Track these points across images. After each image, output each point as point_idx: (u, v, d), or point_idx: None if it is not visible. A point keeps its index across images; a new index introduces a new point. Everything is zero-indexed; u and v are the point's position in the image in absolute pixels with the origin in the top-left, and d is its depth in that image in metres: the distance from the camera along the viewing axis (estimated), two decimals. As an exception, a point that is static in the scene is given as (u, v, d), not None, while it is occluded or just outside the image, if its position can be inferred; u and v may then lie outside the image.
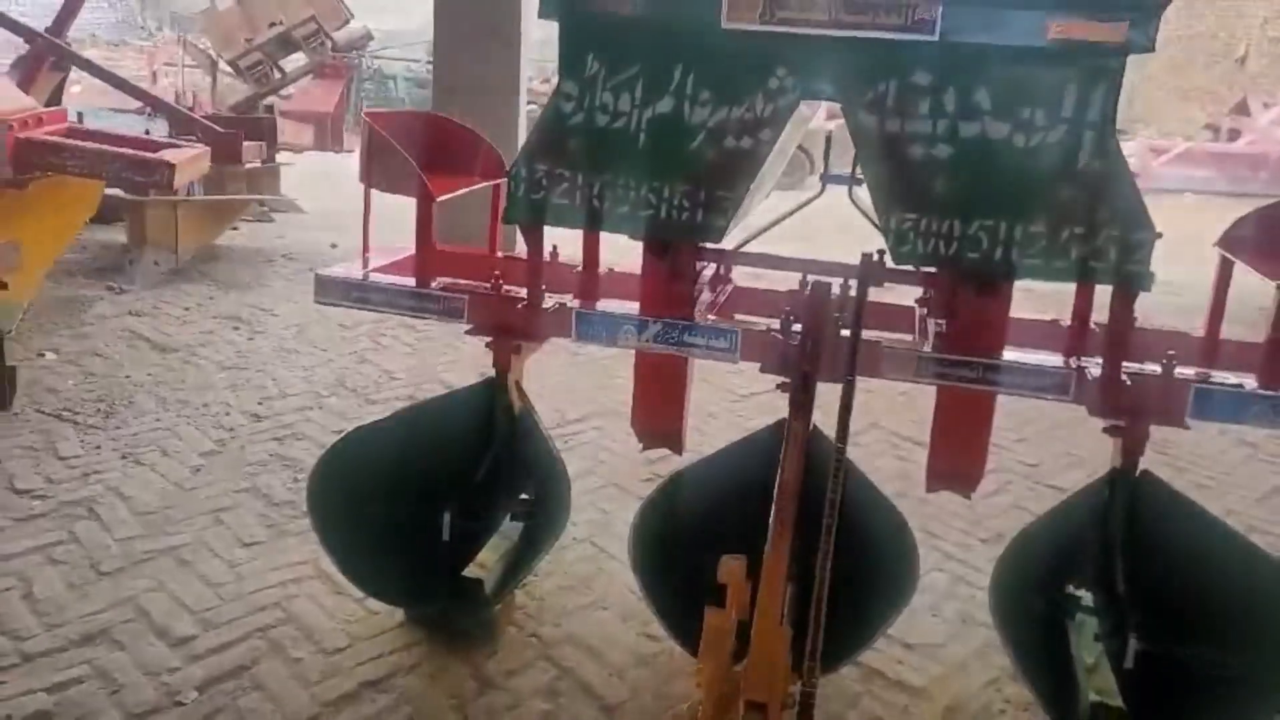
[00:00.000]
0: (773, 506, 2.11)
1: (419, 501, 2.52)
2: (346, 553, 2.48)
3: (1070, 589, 2.46)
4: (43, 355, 4.27)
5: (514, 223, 2.39)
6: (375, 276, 2.71)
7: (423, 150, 2.75)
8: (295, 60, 13.76)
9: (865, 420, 4.04)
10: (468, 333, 2.63)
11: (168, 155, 4.18)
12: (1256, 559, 2.25)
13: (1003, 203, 2.11)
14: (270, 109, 8.02)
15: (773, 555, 2.04)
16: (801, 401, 2.29)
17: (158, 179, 4.16)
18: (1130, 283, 2.13)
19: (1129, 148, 16.35)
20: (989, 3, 2.00)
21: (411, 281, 2.66)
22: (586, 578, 2.84)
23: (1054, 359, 2.40)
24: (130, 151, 4.09)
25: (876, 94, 2.11)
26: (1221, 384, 2.30)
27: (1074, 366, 2.33)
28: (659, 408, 2.76)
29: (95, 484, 3.16)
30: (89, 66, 5.30)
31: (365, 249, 2.82)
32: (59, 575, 2.70)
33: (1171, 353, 2.34)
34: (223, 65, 13.53)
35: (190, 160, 4.31)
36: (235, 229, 6.50)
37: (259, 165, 8.14)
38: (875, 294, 2.35)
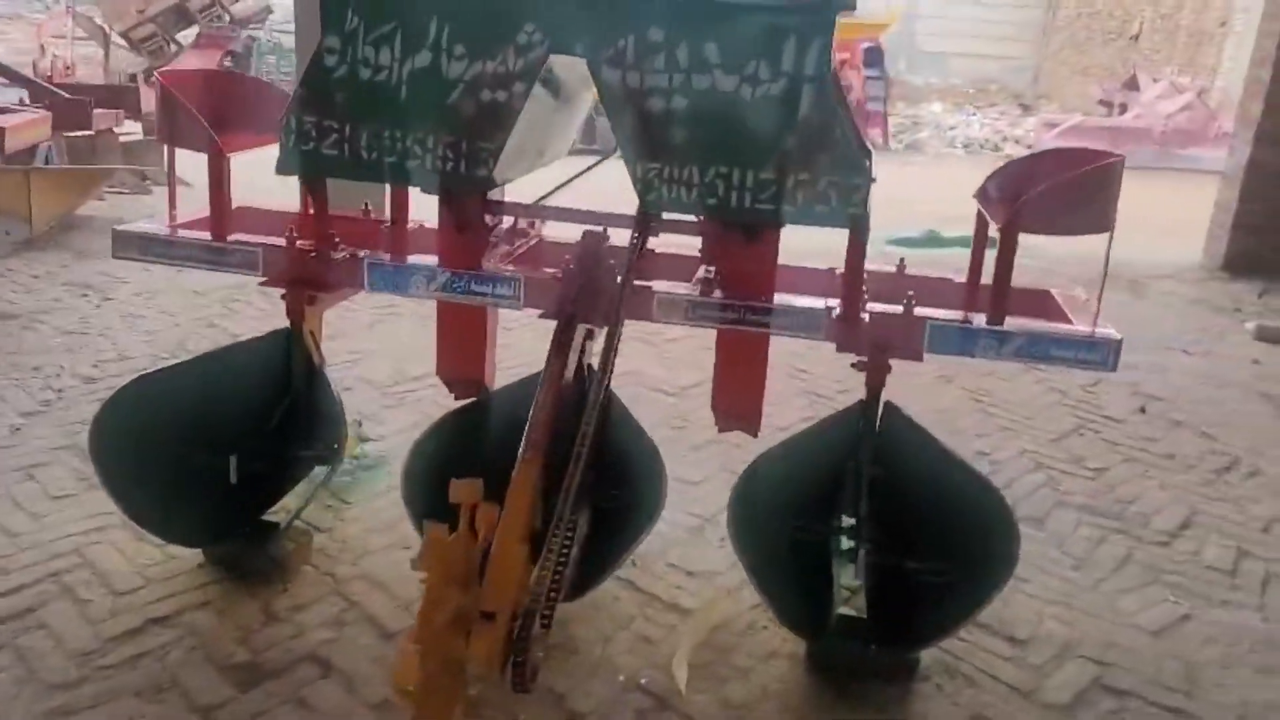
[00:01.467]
0: (524, 434, 2.25)
1: (208, 447, 2.61)
2: (132, 498, 2.56)
3: (821, 513, 2.64)
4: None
5: (286, 174, 2.49)
6: (176, 232, 2.79)
7: (217, 108, 2.83)
8: (193, 34, 13.54)
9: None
10: (261, 284, 2.73)
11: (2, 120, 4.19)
12: (974, 481, 2.45)
13: (734, 151, 2.27)
14: (134, 78, 7.93)
15: (519, 476, 2.17)
16: (561, 341, 2.43)
17: (-14, 146, 4.18)
18: (851, 225, 2.30)
19: (1027, 123, 16.83)
20: (709, -38, 2.15)
21: (208, 236, 2.76)
22: (392, 521, 2.95)
23: (815, 302, 2.57)
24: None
25: (617, 49, 2.25)
26: (951, 320, 2.51)
27: (825, 307, 2.51)
28: (461, 355, 2.89)
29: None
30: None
31: (171, 205, 2.90)
32: None
33: (911, 293, 2.54)
34: (116, 38, 13.25)
35: (24, 125, 4.33)
36: (102, 200, 6.46)
37: (141, 138, 8.08)
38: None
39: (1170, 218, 8.45)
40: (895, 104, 17.70)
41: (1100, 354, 2.45)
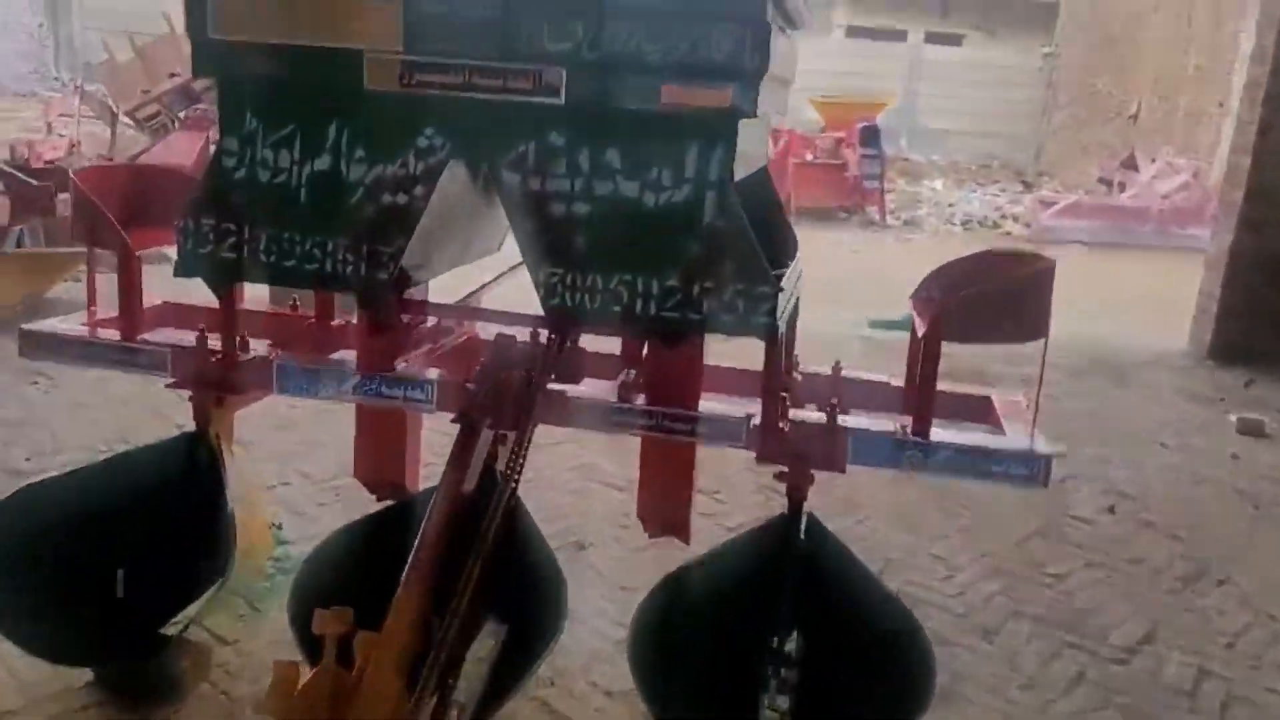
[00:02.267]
0: (413, 552, 2.14)
1: (97, 560, 2.49)
2: (11, 615, 2.44)
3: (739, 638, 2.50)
4: None
5: (184, 276, 2.42)
6: (83, 331, 2.72)
7: (137, 203, 2.77)
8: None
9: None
10: (168, 386, 2.65)
11: (-50, 209, 4.16)
12: (894, 614, 2.32)
13: (638, 258, 2.19)
14: (134, 157, 7.98)
15: (399, 599, 2.06)
16: (462, 449, 2.33)
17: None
18: (758, 334, 2.21)
19: (1027, 200, 16.86)
20: (607, 69, 2.09)
21: (117, 335, 2.69)
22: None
23: (739, 408, 2.48)
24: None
25: (518, 154, 2.19)
26: (875, 431, 2.40)
27: (745, 415, 2.40)
28: (379, 457, 2.80)
29: None
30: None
31: (90, 302, 2.83)
32: None
33: (834, 400, 2.44)
34: (123, 117, 13.43)
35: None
36: (78, 281, 6.43)
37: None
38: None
39: (1163, 298, 8.37)
40: (895, 180, 17.82)
41: (1031, 469, 2.35)
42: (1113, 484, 4.43)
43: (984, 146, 23.59)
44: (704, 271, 2.17)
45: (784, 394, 2.46)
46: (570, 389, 2.49)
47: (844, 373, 2.80)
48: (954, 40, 25.91)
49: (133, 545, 2.51)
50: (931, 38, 25.79)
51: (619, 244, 2.19)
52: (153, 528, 2.54)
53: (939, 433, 2.38)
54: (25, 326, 2.72)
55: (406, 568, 2.11)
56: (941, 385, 2.71)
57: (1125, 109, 20.35)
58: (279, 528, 3.32)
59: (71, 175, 2.71)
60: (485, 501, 2.32)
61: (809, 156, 14.71)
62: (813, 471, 2.41)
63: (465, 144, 2.21)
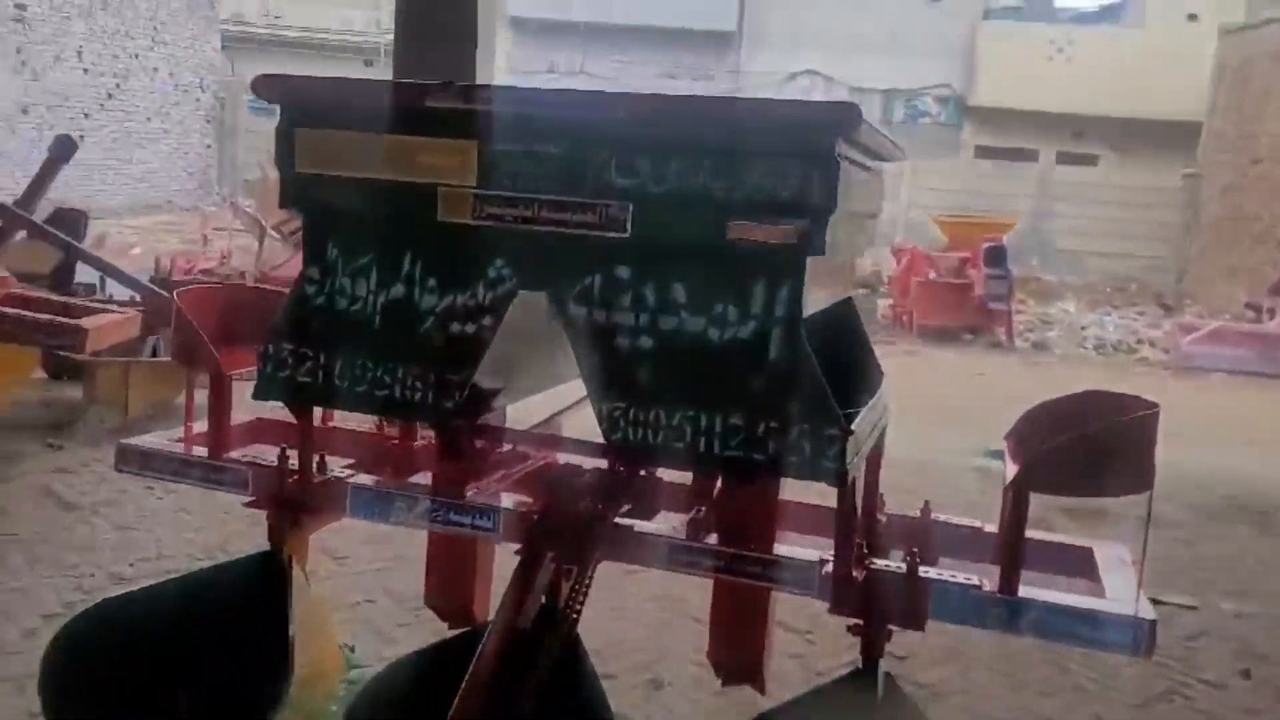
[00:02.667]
0: (459, 692, 2.07)
1: (163, 678, 2.50)
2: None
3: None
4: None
5: (263, 399, 2.47)
6: (172, 447, 2.80)
7: (228, 323, 2.86)
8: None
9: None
10: (246, 505, 2.69)
11: (84, 321, 4.42)
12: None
13: (702, 394, 2.13)
14: (243, 275, 8.41)
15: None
16: (519, 583, 2.27)
17: (70, 343, 4.40)
18: (825, 479, 2.10)
19: (1167, 324, 16.16)
20: (672, 204, 2.08)
21: (205, 453, 2.75)
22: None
23: (815, 551, 2.36)
24: (45, 317, 4.33)
25: (583, 286, 2.18)
26: (958, 584, 2.25)
27: (817, 560, 2.29)
28: (448, 583, 2.77)
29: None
30: (46, 235, 5.67)
31: (188, 418, 2.92)
32: None
33: (914, 549, 2.30)
34: (271, 231, 14.24)
35: (108, 326, 4.54)
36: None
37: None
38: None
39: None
40: (1025, 301, 17.36)
41: (1131, 636, 2.15)
42: (1249, 644, 4.05)
43: (1120, 268, 22.88)
44: (769, 410, 2.09)
45: (860, 539, 2.34)
46: (638, 523, 2.43)
47: (935, 515, 2.65)
48: (1089, 161, 25.47)
49: (196, 665, 2.52)
50: (1064, 158, 25.42)
51: (683, 379, 2.14)
52: (217, 648, 2.54)
53: (1029, 589, 2.21)
54: (122, 441, 2.82)
55: (455, 702, 2.05)
56: (1038, 532, 2.56)
57: (1274, 232, 19.49)
58: (352, 649, 3.30)
59: (175, 296, 2.83)
60: (542, 636, 2.26)
61: (932, 275, 14.49)
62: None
63: (533, 275, 2.22)
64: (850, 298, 2.76)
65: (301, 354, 2.39)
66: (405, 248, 2.28)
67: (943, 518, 2.66)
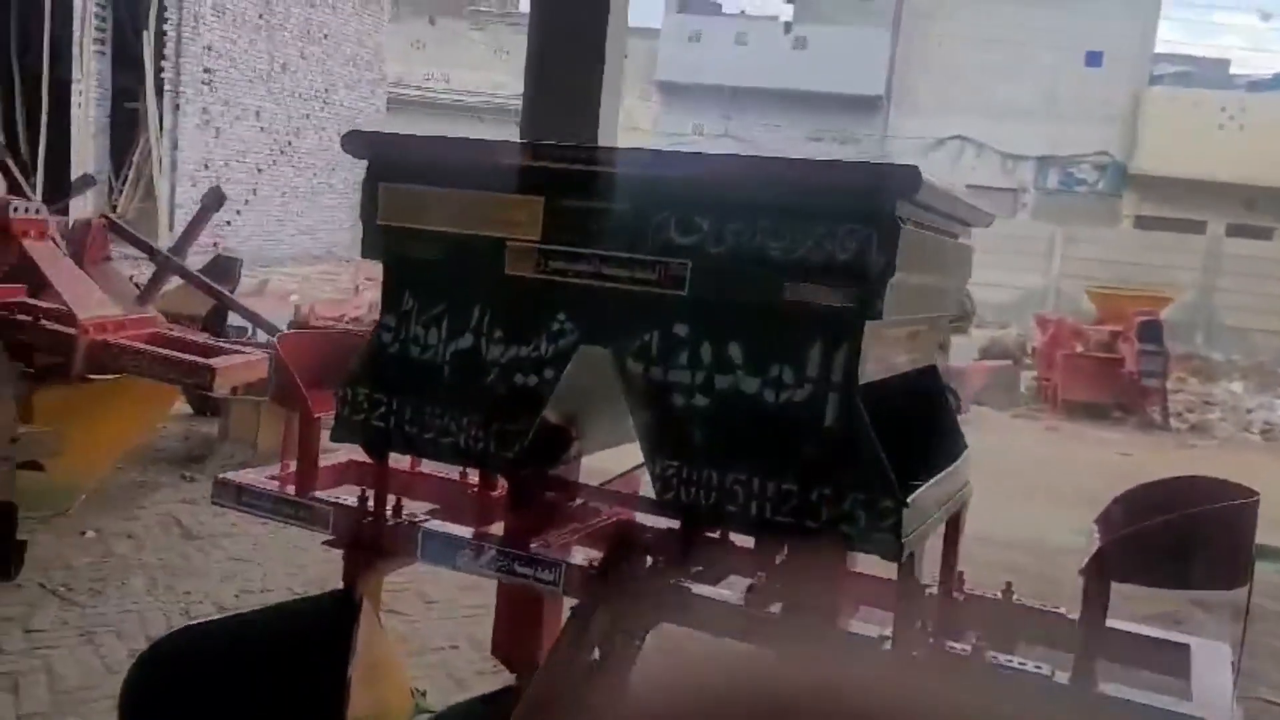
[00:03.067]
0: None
1: (227, 709, 2.58)
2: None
3: None
4: (84, 533, 4.71)
5: (337, 441, 2.55)
6: (267, 485, 2.91)
7: (322, 367, 2.98)
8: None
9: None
10: (324, 544, 2.77)
11: (214, 361, 4.66)
12: None
13: (755, 457, 2.09)
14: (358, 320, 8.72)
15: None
16: (572, 636, 2.26)
17: (201, 381, 4.64)
18: (878, 551, 2.03)
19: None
20: (730, 264, 2.07)
21: (292, 490, 2.85)
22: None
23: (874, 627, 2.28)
24: (178, 356, 4.59)
25: (642, 343, 2.17)
26: (1027, 673, 2.12)
27: (877, 636, 2.20)
28: (515, 634, 2.78)
29: (36, 659, 3.42)
30: (191, 278, 6.04)
31: (284, 456, 3.04)
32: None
33: (978, 636, 2.19)
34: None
35: (237, 366, 4.78)
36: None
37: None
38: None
39: None
40: (1185, 380, 16.45)
41: (1218, 744, 1.98)
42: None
43: (1294, 347, 21.44)
44: (822, 477, 2.03)
45: (934, 618, 2.24)
46: (698, 586, 2.39)
47: (1019, 599, 2.52)
48: (1262, 234, 24.11)
49: (260, 698, 2.59)
50: (1235, 230, 24.12)
51: (736, 441, 2.11)
52: (282, 682, 2.61)
53: (1106, 685, 2.07)
54: (220, 476, 2.95)
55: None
56: (1127, 623, 2.41)
57: None
58: (423, 694, 3.33)
59: (276, 340, 2.97)
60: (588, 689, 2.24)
61: (1079, 348, 13.90)
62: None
63: (594, 330, 2.23)
64: (934, 366, 2.67)
65: (375, 399, 2.46)
66: (474, 300, 2.34)
67: (1029, 602, 2.52)
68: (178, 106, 17.92)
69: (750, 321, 2.09)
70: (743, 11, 31.46)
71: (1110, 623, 2.43)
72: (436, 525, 2.68)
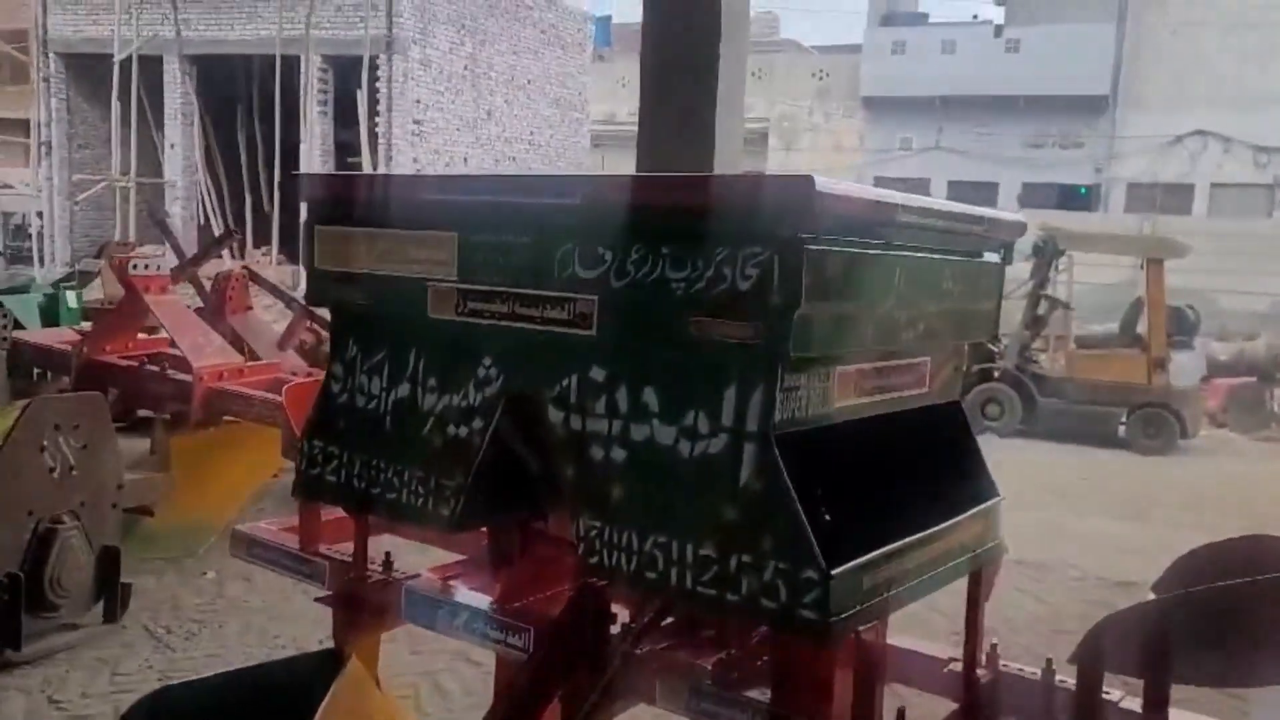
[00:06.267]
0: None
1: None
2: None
3: None
4: (204, 574, 4.90)
5: (297, 497, 2.46)
6: (275, 537, 2.87)
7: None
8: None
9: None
10: (316, 600, 2.69)
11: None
12: None
13: (672, 518, 1.83)
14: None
15: None
16: (519, 702, 2.06)
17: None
18: (803, 632, 1.71)
19: None
20: (635, 299, 1.82)
21: (294, 542, 2.80)
22: None
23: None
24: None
25: (561, 389, 1.96)
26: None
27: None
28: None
29: (118, 701, 3.51)
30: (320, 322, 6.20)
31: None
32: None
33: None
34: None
35: (309, 386, 4.86)
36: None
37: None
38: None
39: None
40: None
41: None
42: None
43: None
44: (740, 543, 1.74)
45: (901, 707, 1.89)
46: (658, 658, 2.13)
47: (1060, 679, 2.11)
48: None
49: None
50: None
51: (654, 499, 1.85)
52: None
53: (1107, 799, 1.67)
54: (236, 528, 2.94)
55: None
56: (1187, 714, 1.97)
57: None
58: None
59: (285, 392, 2.93)
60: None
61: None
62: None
63: (517, 376, 2.03)
64: (958, 403, 2.29)
65: (329, 452, 2.35)
66: (407, 346, 2.19)
67: (1070, 681, 2.11)
68: (390, 158, 18.98)
69: (662, 363, 1.83)
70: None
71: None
72: (419, 585, 2.54)
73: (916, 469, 2.11)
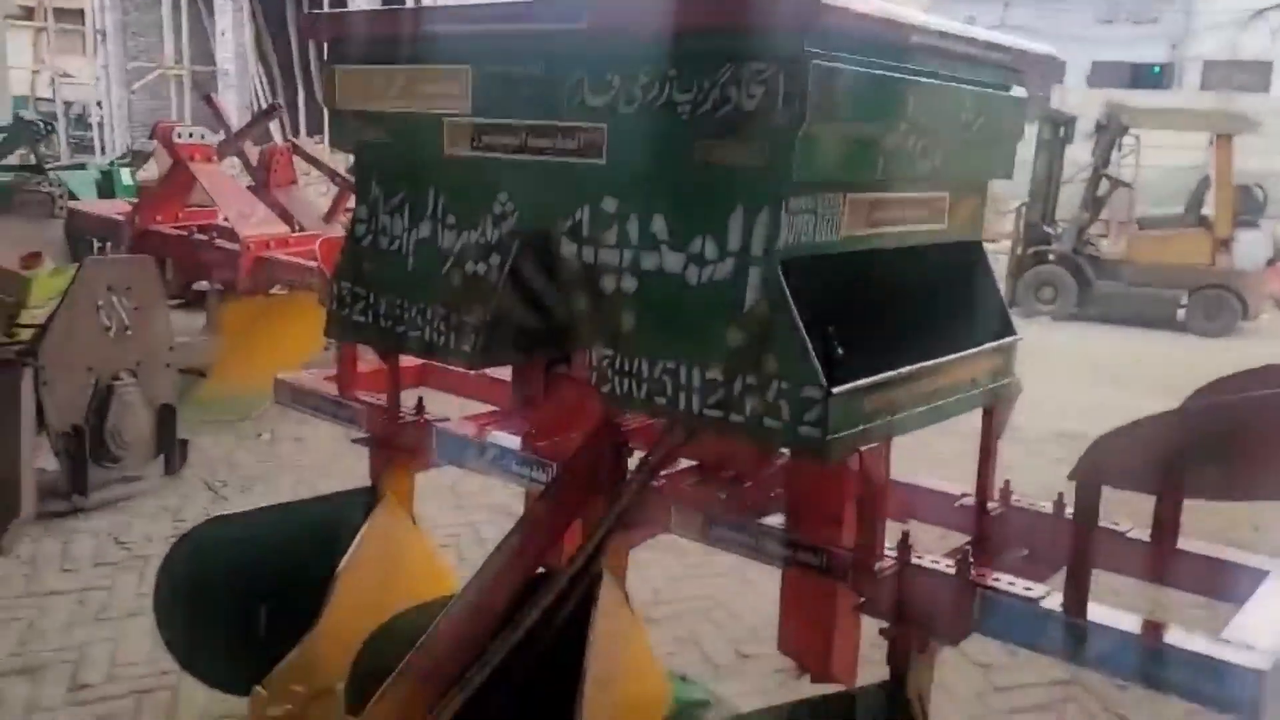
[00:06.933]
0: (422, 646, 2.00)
1: (264, 597, 2.66)
2: (187, 643, 2.68)
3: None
4: (260, 436, 5.09)
5: (329, 338, 2.53)
6: (315, 384, 2.97)
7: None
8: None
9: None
10: (353, 441, 2.80)
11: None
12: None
13: (681, 344, 1.86)
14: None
15: (383, 702, 1.94)
16: (529, 521, 2.15)
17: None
18: (804, 448, 1.75)
19: None
20: (643, 125, 1.83)
21: (334, 389, 2.90)
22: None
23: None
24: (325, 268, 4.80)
25: (574, 221, 1.99)
26: (1011, 594, 1.79)
27: (843, 552, 1.93)
28: (802, 629, 2.44)
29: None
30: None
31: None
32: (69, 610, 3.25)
33: (968, 547, 1.88)
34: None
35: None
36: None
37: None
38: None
39: None
40: None
41: (1229, 690, 1.58)
42: None
43: None
44: (746, 364, 1.78)
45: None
46: (674, 489, 2.20)
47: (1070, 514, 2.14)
48: None
49: (277, 584, 2.65)
50: None
51: (663, 326, 1.88)
52: (298, 572, 2.66)
53: (1099, 612, 1.71)
54: (279, 376, 3.04)
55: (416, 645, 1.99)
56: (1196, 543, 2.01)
57: None
58: (682, 679, 3.02)
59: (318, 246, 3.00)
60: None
61: None
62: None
63: (531, 211, 2.06)
64: (979, 242, 2.28)
65: (356, 293, 2.42)
66: (426, 184, 2.22)
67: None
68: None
69: (670, 190, 1.85)
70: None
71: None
72: (450, 425, 2.63)
73: (932, 304, 2.11)
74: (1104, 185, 11.48)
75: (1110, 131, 11.24)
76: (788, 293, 1.72)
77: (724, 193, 1.77)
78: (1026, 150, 12.19)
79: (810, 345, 1.71)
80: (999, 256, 13.20)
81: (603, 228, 1.94)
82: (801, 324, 1.71)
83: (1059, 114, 11.63)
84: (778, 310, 1.73)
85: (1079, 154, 12.14)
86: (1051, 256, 11.31)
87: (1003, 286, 11.54)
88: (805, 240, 1.77)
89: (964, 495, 2.25)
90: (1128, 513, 2.04)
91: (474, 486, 4.30)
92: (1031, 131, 11.93)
